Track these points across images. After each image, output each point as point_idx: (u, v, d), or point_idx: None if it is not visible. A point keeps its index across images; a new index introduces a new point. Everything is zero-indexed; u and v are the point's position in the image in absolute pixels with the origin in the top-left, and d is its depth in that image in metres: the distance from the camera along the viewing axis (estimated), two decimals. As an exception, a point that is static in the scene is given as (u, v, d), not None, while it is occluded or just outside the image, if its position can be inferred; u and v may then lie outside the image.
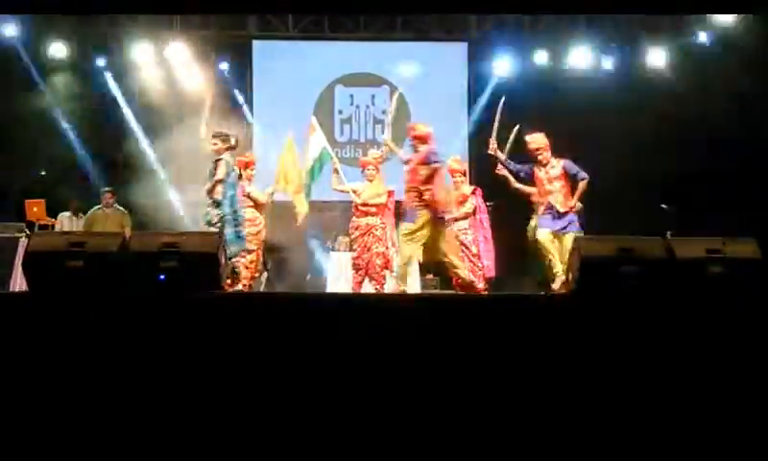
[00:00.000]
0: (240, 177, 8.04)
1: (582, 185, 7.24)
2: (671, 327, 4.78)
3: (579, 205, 7.39)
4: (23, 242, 8.47)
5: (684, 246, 5.25)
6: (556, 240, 7.13)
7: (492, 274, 7.84)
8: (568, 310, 5.05)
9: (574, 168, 7.29)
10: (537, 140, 7.35)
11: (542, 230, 7.16)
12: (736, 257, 5.10)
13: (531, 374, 4.69)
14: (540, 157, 7.32)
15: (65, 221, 10.08)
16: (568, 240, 6.83)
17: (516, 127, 7.80)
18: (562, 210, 7.14)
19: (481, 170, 11.41)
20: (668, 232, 7.12)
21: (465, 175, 8.13)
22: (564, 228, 7.11)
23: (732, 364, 4.66)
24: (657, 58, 11.47)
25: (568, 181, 7.27)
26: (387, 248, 7.83)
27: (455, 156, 8.38)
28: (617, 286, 5.05)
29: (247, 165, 8.13)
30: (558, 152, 7.59)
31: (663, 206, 9.13)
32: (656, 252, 5.21)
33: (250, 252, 7.72)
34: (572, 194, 7.23)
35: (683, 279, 5.06)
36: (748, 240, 5.24)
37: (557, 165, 7.30)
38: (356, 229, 8.02)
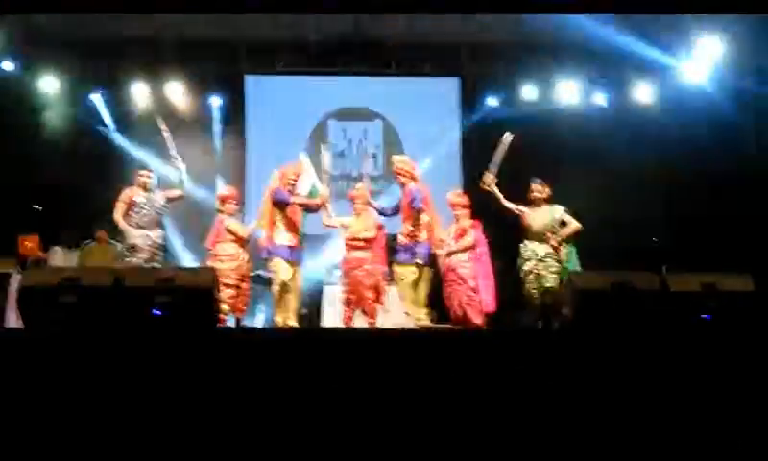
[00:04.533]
0: (220, 212, 8.09)
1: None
2: (665, 361, 4.79)
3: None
4: (16, 278, 8.45)
5: (678, 281, 5.27)
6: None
7: (491, 309, 7.79)
8: (564, 345, 5.06)
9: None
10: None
11: None
12: (731, 291, 5.12)
13: (528, 407, 4.68)
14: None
15: (58, 256, 10.04)
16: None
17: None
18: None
19: (472, 205, 11.53)
20: (664, 267, 7.15)
21: (465, 208, 8.13)
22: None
23: (726, 396, 4.67)
24: (645, 94, 11.56)
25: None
26: (378, 282, 7.80)
27: (455, 188, 8.39)
28: (613, 320, 5.06)
29: (225, 199, 8.13)
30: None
31: (654, 239, 9.17)
32: (650, 286, 5.23)
33: (228, 286, 7.68)
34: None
35: (677, 312, 5.07)
36: (742, 275, 5.26)
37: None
38: (346, 263, 8.00)
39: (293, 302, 7.87)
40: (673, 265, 7.40)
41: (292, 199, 7.96)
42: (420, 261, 7.69)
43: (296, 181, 8.12)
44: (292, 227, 7.95)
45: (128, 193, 8.18)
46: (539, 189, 7.95)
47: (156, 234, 8.17)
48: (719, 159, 10.21)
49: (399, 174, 7.76)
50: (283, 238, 7.89)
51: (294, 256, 7.91)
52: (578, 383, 4.70)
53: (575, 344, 4.99)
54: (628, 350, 4.83)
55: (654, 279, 5.35)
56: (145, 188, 8.22)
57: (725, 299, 5.07)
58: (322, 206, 8.08)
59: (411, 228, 7.70)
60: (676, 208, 10.64)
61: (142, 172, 8.35)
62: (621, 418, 4.59)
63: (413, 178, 7.61)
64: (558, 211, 7.89)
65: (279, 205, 7.97)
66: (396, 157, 7.88)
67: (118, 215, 8.08)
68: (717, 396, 4.64)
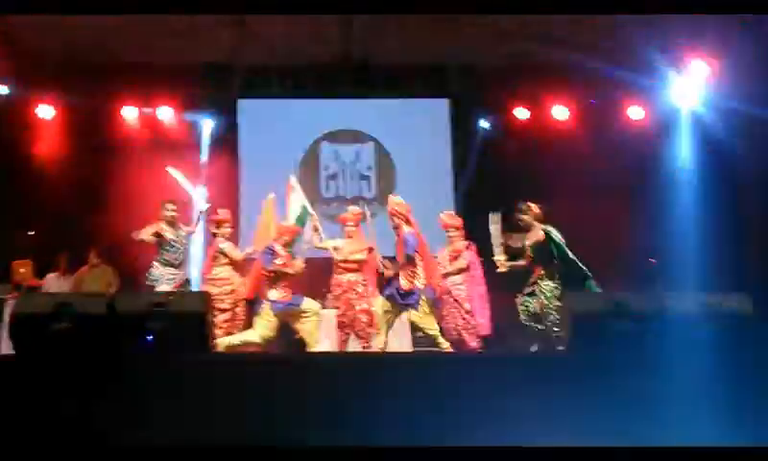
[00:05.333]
0: (214, 235, 8.04)
1: None
2: (663, 383, 4.78)
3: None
4: (10, 304, 8.41)
5: (673, 301, 5.27)
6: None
7: (487, 332, 7.76)
8: (560, 367, 5.04)
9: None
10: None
11: None
12: (725, 312, 5.12)
13: (525, 431, 4.66)
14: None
15: (52, 282, 10.00)
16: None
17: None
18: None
19: (464, 226, 11.53)
20: (659, 286, 7.14)
21: (458, 229, 8.09)
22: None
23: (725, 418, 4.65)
24: (637, 116, 11.61)
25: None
26: (371, 304, 7.76)
27: (448, 210, 8.37)
28: (609, 342, 5.05)
29: (219, 223, 8.08)
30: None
31: (651, 260, 9.16)
32: (647, 307, 5.22)
33: (222, 310, 7.63)
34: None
35: (673, 334, 5.06)
36: (741, 295, 5.26)
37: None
38: (338, 286, 7.95)
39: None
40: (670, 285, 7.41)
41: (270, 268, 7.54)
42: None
43: (291, 241, 7.79)
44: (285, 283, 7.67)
45: (154, 228, 7.89)
46: (524, 210, 7.50)
47: (183, 272, 8.07)
48: (712, 179, 10.26)
49: (394, 215, 7.53)
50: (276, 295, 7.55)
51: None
52: (574, 405, 4.68)
53: (570, 366, 4.98)
54: (624, 371, 4.81)
55: (651, 300, 5.34)
56: (172, 224, 8.02)
57: (724, 319, 5.05)
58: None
59: (409, 274, 7.49)
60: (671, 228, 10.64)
61: (168, 206, 8.04)
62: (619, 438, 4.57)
63: (407, 221, 7.47)
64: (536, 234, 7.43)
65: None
66: (392, 199, 7.65)
67: (144, 235, 7.84)
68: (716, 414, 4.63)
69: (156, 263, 7.90)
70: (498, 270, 7.49)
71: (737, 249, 9.85)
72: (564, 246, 7.16)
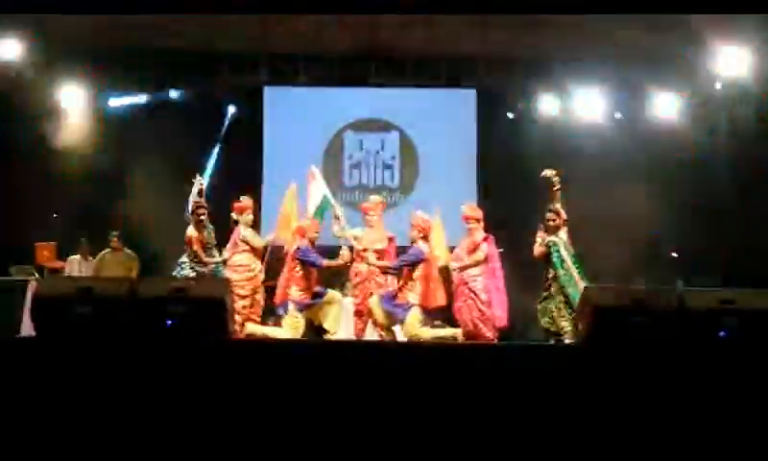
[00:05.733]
0: (236, 222, 8.05)
1: None
2: (683, 380, 4.72)
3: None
4: (32, 285, 8.48)
5: (696, 297, 5.18)
6: None
7: (504, 323, 7.74)
8: (579, 361, 5.00)
9: None
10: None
11: None
12: (751, 309, 5.03)
13: (541, 424, 4.63)
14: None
15: (75, 264, 10.09)
16: None
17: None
18: None
19: (490, 217, 11.47)
20: (679, 281, 7.08)
21: (479, 221, 8.05)
22: None
23: (746, 418, 4.59)
24: (666, 105, 11.45)
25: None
26: (391, 293, 7.75)
27: (468, 202, 8.33)
28: (629, 337, 4.99)
29: (242, 210, 8.09)
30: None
31: (674, 254, 9.07)
32: (668, 302, 5.15)
33: (242, 297, 7.65)
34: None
35: (694, 330, 4.98)
36: (763, 291, 5.17)
37: None
38: (357, 275, 7.99)
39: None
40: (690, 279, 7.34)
41: (324, 263, 7.76)
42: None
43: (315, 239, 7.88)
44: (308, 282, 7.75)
45: (197, 237, 7.88)
46: (551, 217, 7.63)
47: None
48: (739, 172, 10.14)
49: (415, 228, 7.63)
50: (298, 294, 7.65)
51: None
52: (591, 401, 4.65)
53: (588, 360, 4.93)
54: (643, 367, 4.76)
55: (671, 296, 5.27)
56: (204, 225, 8.00)
57: (744, 316, 4.97)
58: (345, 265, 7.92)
59: (407, 286, 7.54)
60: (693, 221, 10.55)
61: (200, 211, 7.99)
62: (636, 436, 4.53)
63: (425, 238, 7.56)
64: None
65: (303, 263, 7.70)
66: (414, 214, 7.80)
67: (207, 258, 7.90)
68: (735, 416, 4.58)
69: (189, 264, 7.96)
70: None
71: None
72: (561, 264, 7.40)
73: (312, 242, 7.77)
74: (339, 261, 7.83)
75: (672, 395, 4.66)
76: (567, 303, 7.27)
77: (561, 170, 7.74)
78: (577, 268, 7.40)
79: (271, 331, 7.67)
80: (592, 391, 4.68)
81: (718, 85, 10.77)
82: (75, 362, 4.96)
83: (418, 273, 7.45)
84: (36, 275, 9.26)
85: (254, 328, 7.56)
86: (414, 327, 7.34)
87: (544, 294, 7.53)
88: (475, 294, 7.70)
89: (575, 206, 7.95)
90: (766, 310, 5.04)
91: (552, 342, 7.29)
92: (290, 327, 7.53)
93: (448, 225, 8.17)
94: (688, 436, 4.56)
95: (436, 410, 4.68)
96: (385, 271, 7.82)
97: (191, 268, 7.89)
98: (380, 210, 8.24)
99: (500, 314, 7.72)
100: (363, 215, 8.21)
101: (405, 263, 7.57)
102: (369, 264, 7.83)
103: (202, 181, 8.28)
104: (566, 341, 7.14)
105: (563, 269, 7.39)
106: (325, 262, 7.79)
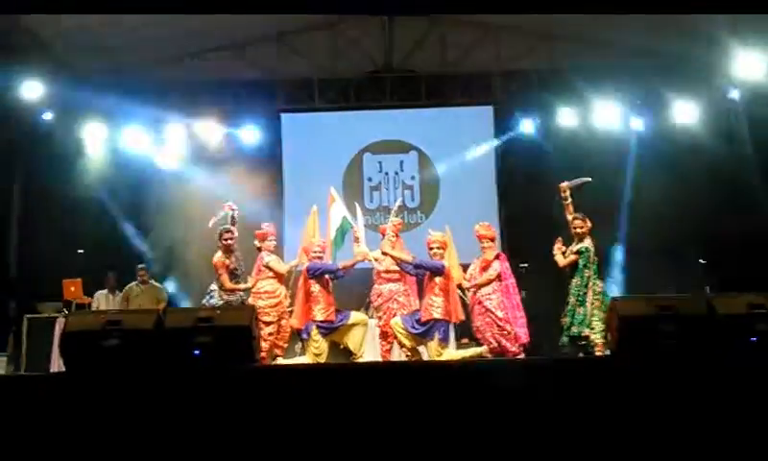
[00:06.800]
0: (259, 249, 8.07)
1: None
2: (714, 387, 4.67)
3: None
4: (60, 322, 8.57)
5: (725, 302, 5.14)
6: None
7: (526, 340, 7.71)
8: (608, 372, 4.95)
9: None
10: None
11: None
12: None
13: (572, 437, 4.59)
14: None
15: (102, 299, 10.16)
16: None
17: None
18: None
19: (511, 234, 11.42)
20: (707, 288, 7.01)
21: (492, 240, 8.07)
22: None
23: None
24: (687, 115, 11.34)
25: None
26: (413, 313, 7.74)
27: (482, 221, 8.32)
28: (658, 345, 4.95)
29: (264, 237, 8.12)
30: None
31: (702, 261, 8.97)
32: (696, 309, 5.11)
33: (267, 323, 7.66)
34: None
35: (725, 336, 4.93)
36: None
37: None
38: (379, 296, 8.02)
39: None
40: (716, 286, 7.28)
41: (340, 265, 7.88)
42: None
43: (322, 252, 7.96)
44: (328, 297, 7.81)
45: (223, 262, 7.89)
46: (579, 224, 7.68)
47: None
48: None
49: (432, 244, 7.68)
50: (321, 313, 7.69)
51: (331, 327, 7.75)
52: (622, 411, 4.60)
53: (619, 371, 4.89)
54: (673, 376, 4.71)
55: (699, 302, 5.22)
56: (231, 251, 7.99)
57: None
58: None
59: (429, 303, 7.58)
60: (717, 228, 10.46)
61: (226, 235, 7.99)
62: (668, 445, 4.48)
63: (443, 252, 7.66)
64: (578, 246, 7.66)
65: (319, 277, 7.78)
66: (430, 232, 7.87)
67: (231, 285, 7.90)
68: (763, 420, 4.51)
69: (217, 292, 7.98)
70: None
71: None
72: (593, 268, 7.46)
73: (320, 258, 7.89)
74: (355, 259, 7.95)
75: (703, 402, 4.61)
76: (602, 306, 7.26)
77: (575, 181, 7.76)
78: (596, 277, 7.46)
79: (295, 363, 7.70)
80: (625, 402, 4.63)
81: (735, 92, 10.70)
82: (105, 395, 4.98)
83: (439, 287, 7.44)
84: (65, 310, 9.34)
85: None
86: (440, 347, 7.33)
87: (576, 302, 7.46)
88: (491, 312, 7.68)
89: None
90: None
91: (582, 355, 7.24)
92: (312, 355, 7.59)
93: (470, 242, 8.16)
94: (721, 444, 4.50)
95: (465, 430, 4.66)
96: (401, 267, 7.74)
97: (219, 296, 7.91)
98: (398, 231, 8.24)
99: (520, 332, 7.69)
100: (382, 237, 8.22)
101: (424, 266, 7.58)
102: (384, 253, 7.85)
103: (233, 207, 8.25)
104: (597, 350, 7.10)
105: (594, 274, 7.42)
106: (341, 264, 7.90)
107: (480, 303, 7.76)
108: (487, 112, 12.32)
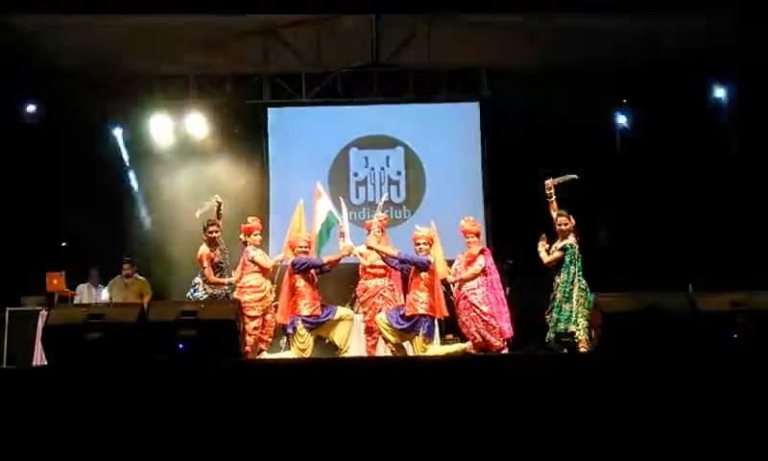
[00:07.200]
0: (245, 243, 8.05)
1: None
2: (696, 383, 4.69)
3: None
4: (43, 315, 8.52)
5: (707, 299, 5.17)
6: None
7: (510, 335, 7.74)
8: (591, 368, 4.97)
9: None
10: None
11: None
12: (763, 310, 5.01)
13: (554, 434, 4.61)
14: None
15: (84, 292, 10.11)
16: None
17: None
18: None
19: (497, 230, 11.43)
20: (690, 286, 7.05)
21: (477, 235, 8.09)
22: None
23: (759, 420, 4.56)
24: (672, 112, 11.38)
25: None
26: (398, 309, 7.74)
27: (467, 216, 8.33)
28: (642, 342, 4.97)
29: (250, 231, 8.09)
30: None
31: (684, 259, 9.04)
32: (678, 306, 5.14)
33: (252, 318, 7.63)
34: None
35: (706, 333, 4.97)
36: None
37: None
38: (365, 291, 8.03)
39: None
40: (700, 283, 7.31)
41: (324, 259, 7.86)
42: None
43: (308, 247, 7.97)
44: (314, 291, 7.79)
45: (207, 254, 7.82)
46: (563, 221, 7.62)
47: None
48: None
49: (418, 240, 7.63)
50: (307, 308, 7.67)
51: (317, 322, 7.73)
52: (605, 407, 4.62)
53: (602, 368, 4.91)
54: (656, 373, 4.73)
55: (682, 300, 5.25)
56: (216, 243, 7.93)
57: (755, 317, 4.95)
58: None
59: (414, 298, 7.55)
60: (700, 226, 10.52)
61: (211, 228, 7.93)
62: (651, 442, 4.50)
63: (430, 248, 7.64)
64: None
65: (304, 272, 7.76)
66: (416, 228, 7.83)
67: (214, 278, 7.81)
68: (749, 420, 4.54)
69: (202, 285, 7.93)
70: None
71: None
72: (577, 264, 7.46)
73: (305, 253, 7.87)
74: (340, 253, 7.95)
75: (686, 398, 4.63)
76: (586, 303, 7.27)
77: (562, 178, 7.76)
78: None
79: (280, 358, 7.67)
80: (607, 398, 4.65)
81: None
82: (87, 389, 4.96)
83: (424, 282, 7.43)
84: (47, 304, 9.28)
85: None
86: (424, 343, 7.33)
87: (562, 298, 7.44)
88: (476, 307, 7.71)
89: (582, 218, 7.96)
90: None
91: (566, 351, 7.26)
92: (297, 350, 7.57)
93: (456, 238, 8.18)
94: (704, 440, 4.52)
95: (450, 425, 4.66)
96: (386, 261, 7.73)
97: (204, 289, 7.87)
98: (383, 226, 8.22)
99: (504, 326, 7.72)
100: (367, 232, 8.22)
101: (409, 261, 7.54)
102: (369, 248, 7.86)
103: (219, 200, 8.17)
104: (581, 346, 7.12)
105: (579, 270, 7.42)
106: (326, 258, 7.88)
107: (465, 297, 7.80)
108: (473, 109, 12.33)
